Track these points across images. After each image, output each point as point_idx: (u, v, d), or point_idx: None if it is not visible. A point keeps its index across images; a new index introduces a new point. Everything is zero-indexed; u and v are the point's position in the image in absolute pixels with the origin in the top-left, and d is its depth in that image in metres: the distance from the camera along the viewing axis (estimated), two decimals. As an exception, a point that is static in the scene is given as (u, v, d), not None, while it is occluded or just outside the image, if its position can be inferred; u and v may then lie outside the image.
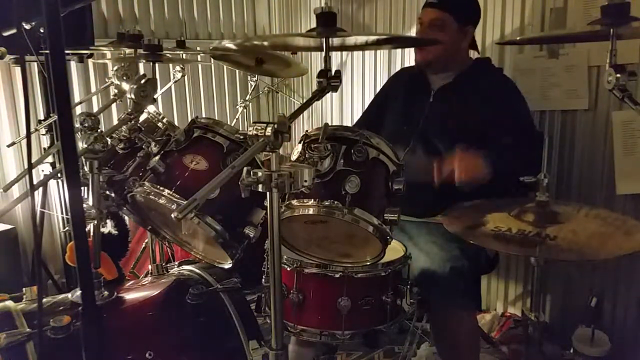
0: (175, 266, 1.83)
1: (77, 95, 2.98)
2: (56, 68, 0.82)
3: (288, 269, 1.51)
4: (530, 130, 2.00)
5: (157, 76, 1.85)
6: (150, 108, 1.60)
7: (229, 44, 1.49)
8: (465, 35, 2.02)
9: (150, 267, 1.96)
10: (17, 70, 2.69)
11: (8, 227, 2.70)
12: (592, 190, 2.30)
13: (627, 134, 2.14)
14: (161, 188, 1.37)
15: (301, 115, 1.82)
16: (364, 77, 3.22)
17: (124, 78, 1.76)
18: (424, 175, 1.78)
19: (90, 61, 2.94)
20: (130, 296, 1.52)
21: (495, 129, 1.91)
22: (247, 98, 3.38)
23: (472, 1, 2.06)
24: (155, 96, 1.59)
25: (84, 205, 1.16)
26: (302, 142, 1.34)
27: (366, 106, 2.45)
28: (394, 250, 1.61)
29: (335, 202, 1.26)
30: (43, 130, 2.39)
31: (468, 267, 1.85)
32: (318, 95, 1.25)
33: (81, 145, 1.31)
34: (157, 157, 1.45)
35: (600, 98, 2.23)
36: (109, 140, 1.44)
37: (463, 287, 1.83)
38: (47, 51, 0.83)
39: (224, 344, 1.44)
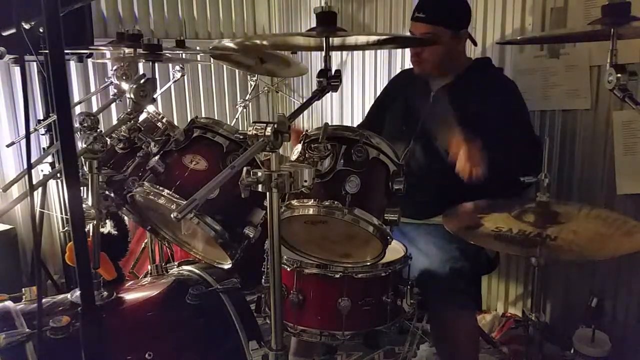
0: (175, 266, 1.83)
1: (76, 95, 2.98)
2: (56, 68, 0.82)
3: (288, 269, 1.51)
4: (528, 132, 1.99)
5: (157, 76, 1.85)
6: (150, 108, 1.59)
7: (228, 44, 1.49)
8: (460, 39, 2.01)
9: (149, 267, 1.96)
10: (17, 70, 2.69)
11: (7, 227, 2.70)
12: (592, 190, 2.29)
13: (627, 133, 2.14)
14: (161, 188, 1.37)
15: (301, 115, 1.82)
16: (364, 77, 3.22)
17: (124, 78, 1.76)
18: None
19: (89, 61, 2.94)
20: (129, 296, 1.52)
21: (494, 130, 1.90)
22: (246, 98, 3.38)
23: (459, 6, 2.02)
24: (154, 96, 1.58)
25: (84, 206, 1.15)
26: (302, 142, 1.34)
27: (366, 106, 2.46)
28: (394, 250, 1.61)
29: (335, 202, 1.26)
30: (42, 130, 2.39)
31: (468, 268, 1.85)
32: (318, 95, 1.25)
33: (80, 145, 1.31)
34: (156, 157, 1.45)
35: (600, 98, 2.23)
36: (108, 140, 1.44)
37: (463, 288, 1.82)
38: (47, 51, 0.82)
39: (223, 345, 1.44)
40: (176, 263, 1.90)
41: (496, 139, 1.84)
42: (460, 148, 1.69)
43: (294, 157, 1.34)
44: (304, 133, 1.36)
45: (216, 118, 2.61)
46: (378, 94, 2.43)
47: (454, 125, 1.76)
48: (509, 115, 1.94)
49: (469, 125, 1.92)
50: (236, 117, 3.39)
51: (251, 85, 3.44)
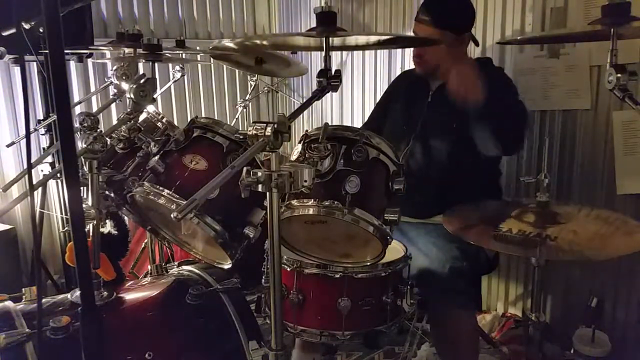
0: (175, 266, 1.83)
1: (76, 95, 2.98)
2: (55, 68, 0.82)
3: (288, 269, 1.51)
4: (515, 104, 1.94)
5: (157, 76, 1.84)
6: (150, 108, 1.59)
7: (228, 44, 1.49)
8: (463, 42, 2.01)
9: (149, 267, 1.96)
10: (17, 70, 2.69)
11: (7, 227, 2.70)
12: (592, 190, 2.29)
13: (627, 133, 2.14)
14: (161, 188, 1.37)
15: (301, 115, 1.82)
16: (364, 77, 3.22)
17: (124, 78, 1.75)
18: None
19: (89, 61, 2.94)
20: (129, 296, 1.52)
21: (491, 120, 1.89)
22: (246, 98, 3.38)
23: (464, 9, 2.02)
24: (154, 96, 1.58)
25: (84, 206, 1.15)
26: (302, 142, 1.34)
27: (366, 106, 2.46)
28: (394, 250, 1.61)
29: (335, 202, 1.26)
30: (42, 130, 2.39)
31: (467, 268, 1.85)
32: (318, 95, 1.25)
33: (80, 145, 1.31)
34: (156, 157, 1.45)
35: (600, 98, 2.23)
36: (108, 140, 1.44)
37: (462, 288, 1.82)
38: (47, 51, 0.82)
39: (223, 345, 1.44)
40: (176, 263, 1.90)
41: (492, 124, 1.83)
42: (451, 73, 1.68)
43: (294, 157, 1.34)
44: (304, 133, 1.36)
45: (216, 118, 2.62)
46: (378, 93, 2.44)
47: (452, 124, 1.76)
48: (505, 105, 1.92)
49: (467, 123, 1.92)
50: (236, 117, 3.39)
51: (251, 85, 3.44)
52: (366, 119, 2.43)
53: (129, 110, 1.57)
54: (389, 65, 3.05)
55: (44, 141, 2.47)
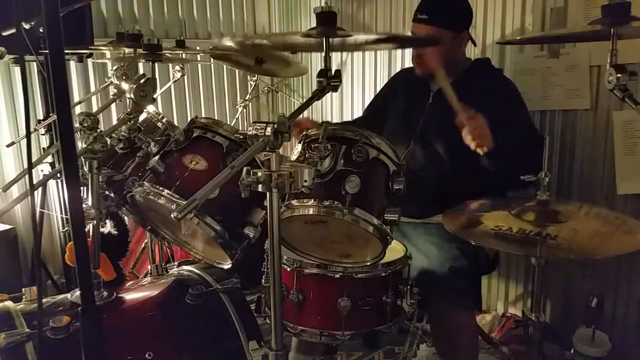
0: (175, 266, 1.83)
1: (76, 95, 2.97)
2: (55, 68, 0.82)
3: (288, 269, 1.51)
4: (530, 132, 1.99)
5: (157, 76, 1.85)
6: (150, 108, 1.59)
7: (228, 43, 1.49)
8: (462, 41, 2.01)
9: (149, 267, 1.96)
10: (17, 70, 2.69)
11: (7, 227, 2.70)
12: (592, 190, 2.29)
13: (627, 133, 2.14)
14: (161, 188, 1.37)
15: (301, 115, 1.82)
16: (364, 77, 3.22)
17: (124, 78, 1.75)
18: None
19: (89, 61, 2.94)
20: (129, 296, 1.52)
21: (494, 131, 1.90)
22: (246, 98, 3.38)
23: (461, 7, 2.02)
24: (154, 96, 1.58)
25: (84, 206, 1.15)
26: (302, 142, 1.34)
27: (366, 106, 2.45)
28: (394, 250, 1.61)
29: (335, 202, 1.26)
30: (42, 130, 2.38)
31: (467, 267, 1.85)
32: (318, 95, 1.25)
33: (80, 145, 1.31)
34: (156, 157, 1.45)
35: (601, 98, 2.23)
36: (108, 140, 1.44)
37: (462, 287, 1.82)
38: (47, 51, 0.82)
39: (223, 345, 1.44)
40: (176, 263, 1.90)
41: (498, 140, 1.83)
42: (463, 126, 1.67)
43: (294, 157, 1.34)
44: (304, 133, 1.36)
45: (216, 118, 2.61)
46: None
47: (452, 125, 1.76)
48: (509, 116, 1.93)
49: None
50: (236, 117, 3.39)
51: (251, 85, 3.44)
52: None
53: (129, 110, 1.57)
54: (389, 65, 3.06)
55: (44, 141, 2.47)
